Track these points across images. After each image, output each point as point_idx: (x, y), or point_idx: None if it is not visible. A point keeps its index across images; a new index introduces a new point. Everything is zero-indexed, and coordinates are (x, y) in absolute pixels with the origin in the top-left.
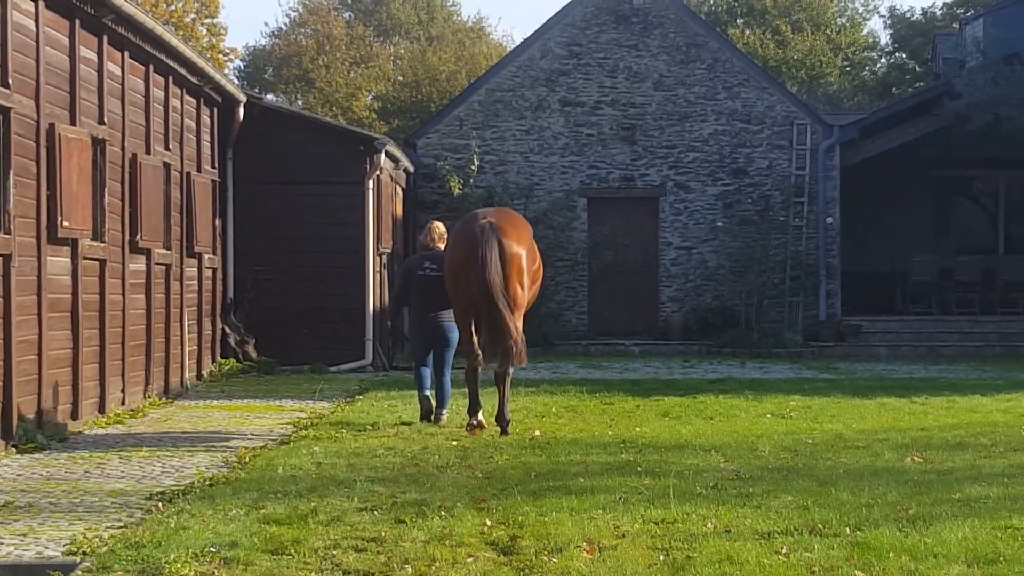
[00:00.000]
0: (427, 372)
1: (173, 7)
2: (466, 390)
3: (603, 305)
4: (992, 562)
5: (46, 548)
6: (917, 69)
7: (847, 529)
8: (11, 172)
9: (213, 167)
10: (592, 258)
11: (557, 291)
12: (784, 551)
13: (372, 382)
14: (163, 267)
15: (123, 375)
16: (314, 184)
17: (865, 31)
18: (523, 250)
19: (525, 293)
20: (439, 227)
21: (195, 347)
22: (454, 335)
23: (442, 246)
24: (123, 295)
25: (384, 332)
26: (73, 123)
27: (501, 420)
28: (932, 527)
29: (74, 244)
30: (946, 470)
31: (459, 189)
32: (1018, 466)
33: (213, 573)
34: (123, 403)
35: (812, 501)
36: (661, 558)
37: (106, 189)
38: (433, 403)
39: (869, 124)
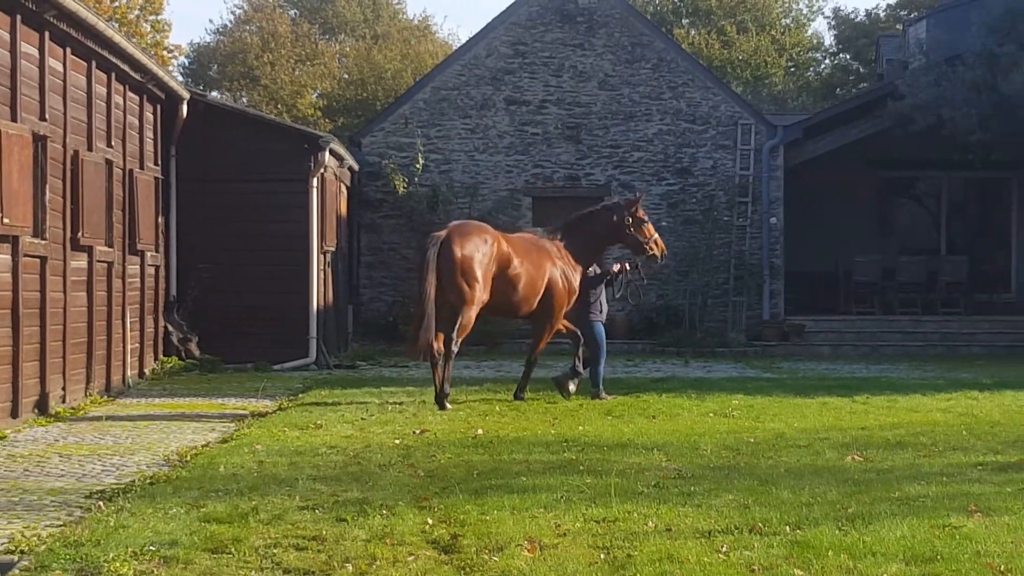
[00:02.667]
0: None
1: (117, 3)
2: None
3: None
4: (930, 560)
5: None
6: (861, 70)
7: (787, 528)
8: None
9: (156, 164)
10: None
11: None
12: (724, 550)
13: (315, 380)
14: (105, 265)
15: (64, 373)
16: (258, 182)
17: (809, 32)
18: (471, 254)
19: (472, 292)
20: None
21: (137, 345)
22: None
23: None
24: (64, 293)
25: (328, 329)
26: (14, 119)
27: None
28: (871, 526)
29: (14, 241)
30: (886, 469)
31: (404, 188)
32: (957, 465)
33: (152, 572)
34: (64, 401)
35: (753, 500)
36: (602, 556)
37: (47, 186)
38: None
39: (813, 125)
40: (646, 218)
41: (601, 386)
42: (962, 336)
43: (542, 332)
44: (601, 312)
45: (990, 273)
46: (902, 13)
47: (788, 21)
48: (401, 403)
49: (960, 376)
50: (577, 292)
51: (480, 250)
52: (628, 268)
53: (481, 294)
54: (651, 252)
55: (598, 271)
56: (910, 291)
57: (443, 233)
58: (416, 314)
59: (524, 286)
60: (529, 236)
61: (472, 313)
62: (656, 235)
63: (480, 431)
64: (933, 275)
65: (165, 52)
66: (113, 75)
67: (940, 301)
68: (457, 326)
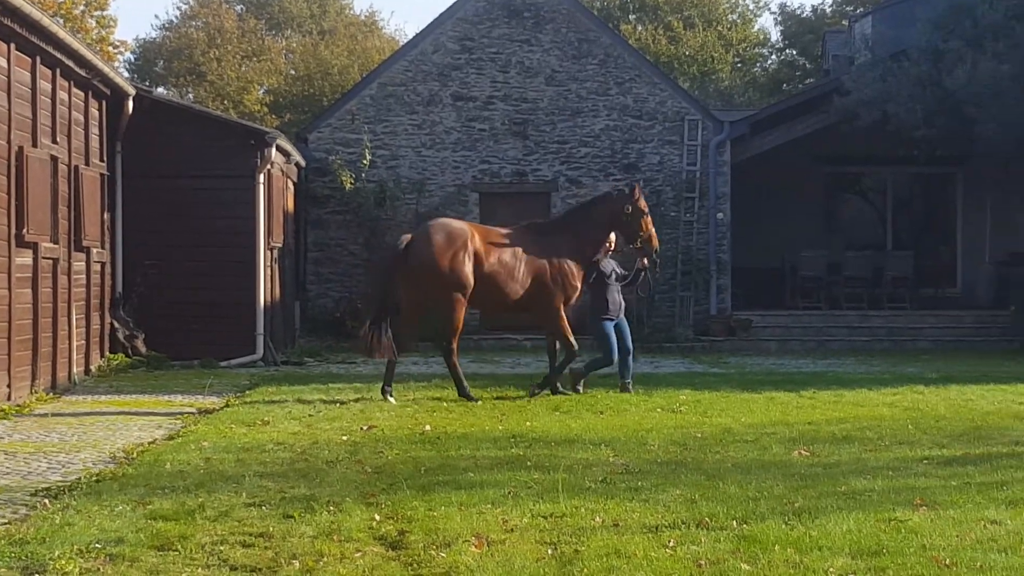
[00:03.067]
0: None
1: None
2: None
3: None
4: (876, 554)
5: None
6: (807, 66)
7: (734, 522)
8: None
9: (102, 160)
10: None
11: None
12: (671, 544)
13: (263, 377)
14: (50, 261)
15: (8, 370)
16: (204, 178)
17: (756, 28)
18: (431, 255)
19: (441, 291)
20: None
21: (83, 342)
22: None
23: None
24: (9, 289)
25: (276, 326)
26: None
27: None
28: (817, 520)
29: None
30: (832, 463)
31: (351, 184)
32: (902, 459)
33: (98, 569)
34: (9, 399)
35: (700, 495)
36: (549, 552)
37: None
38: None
39: (759, 120)
40: (647, 210)
41: (628, 379)
42: (908, 331)
43: (549, 327)
44: (618, 309)
45: (936, 268)
46: (848, 9)
47: (735, 17)
48: (348, 399)
49: (906, 370)
50: (579, 284)
51: (450, 248)
52: (646, 265)
53: (459, 292)
54: (641, 247)
55: (617, 270)
56: (856, 286)
57: (408, 237)
58: (364, 312)
59: (504, 281)
60: (515, 229)
61: (452, 315)
62: (652, 230)
63: (428, 427)
64: (879, 270)
65: (111, 48)
66: (58, 71)
67: (886, 296)
68: (442, 327)
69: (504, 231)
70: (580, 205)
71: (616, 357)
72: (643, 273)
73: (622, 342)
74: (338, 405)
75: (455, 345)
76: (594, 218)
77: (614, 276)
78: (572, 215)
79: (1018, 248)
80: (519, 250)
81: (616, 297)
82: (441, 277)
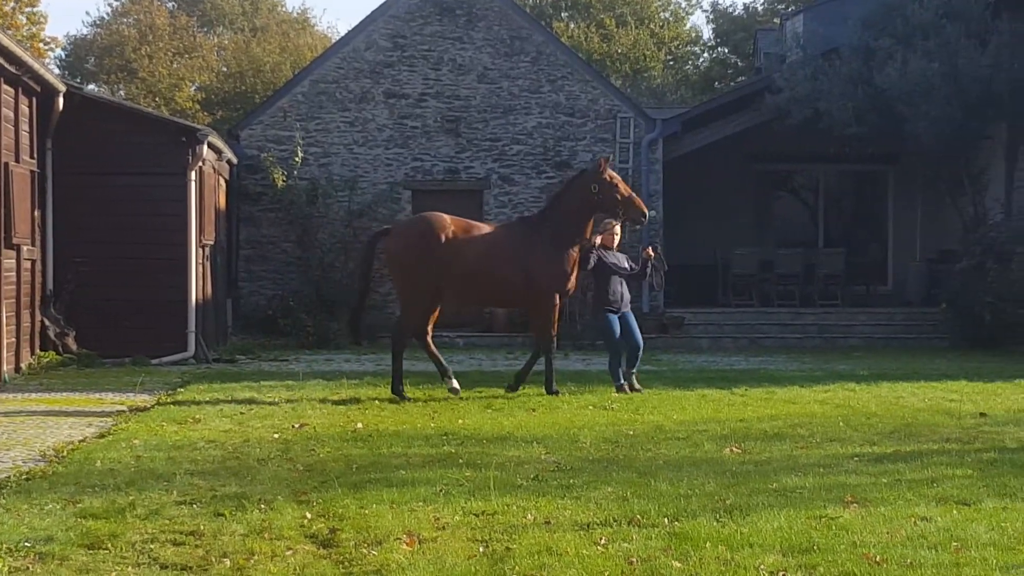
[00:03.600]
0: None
1: None
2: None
3: None
4: (806, 551)
5: None
6: (739, 64)
7: (665, 520)
8: None
9: (32, 158)
10: None
11: (382, 283)
12: (603, 542)
13: (194, 375)
14: None
15: None
16: (136, 175)
17: (688, 25)
18: (395, 248)
19: (402, 284)
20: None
21: (13, 339)
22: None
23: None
24: None
25: (207, 323)
26: None
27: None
28: (748, 517)
29: None
30: (764, 460)
31: (283, 181)
32: (833, 456)
33: (28, 568)
34: None
35: (631, 492)
36: (481, 550)
37: None
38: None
39: (692, 118)
40: (617, 180)
41: (622, 380)
42: (839, 328)
43: (533, 322)
44: (619, 300)
45: (867, 266)
46: (780, 7)
47: (667, 15)
48: (280, 397)
49: (837, 368)
50: (569, 275)
51: (417, 246)
52: (652, 254)
53: (419, 288)
54: (625, 214)
55: (626, 264)
56: (788, 283)
57: (384, 228)
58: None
59: (480, 277)
60: (503, 225)
61: (408, 309)
62: (632, 194)
63: (360, 425)
64: (811, 267)
65: (41, 44)
66: None
67: (818, 293)
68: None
69: (490, 227)
70: (555, 194)
71: (619, 349)
72: (650, 264)
73: (630, 336)
74: (270, 403)
75: (404, 340)
76: (568, 205)
77: (615, 267)
78: (550, 206)
79: (948, 245)
80: (501, 246)
81: (618, 288)
82: (401, 270)
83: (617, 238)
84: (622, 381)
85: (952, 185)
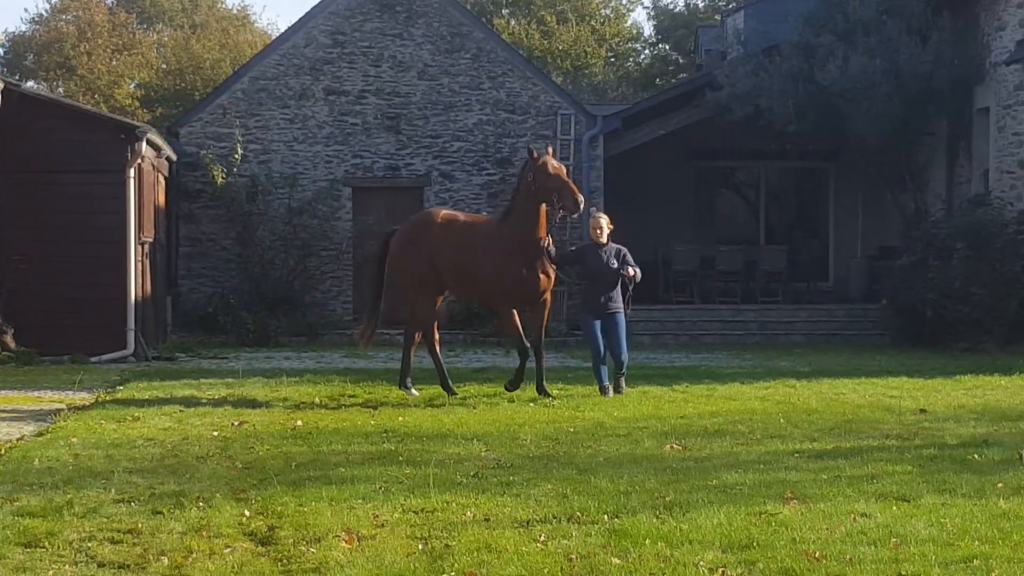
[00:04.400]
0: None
1: None
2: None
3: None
4: (746, 547)
5: None
6: (680, 61)
7: (605, 517)
8: None
9: None
10: (357, 247)
11: (323, 280)
12: (543, 539)
13: (134, 372)
14: None
15: None
16: (74, 173)
17: (629, 22)
18: (397, 250)
19: (403, 280)
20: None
21: None
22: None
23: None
24: None
25: (147, 321)
26: None
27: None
28: (688, 514)
29: None
30: (704, 457)
31: (222, 178)
32: (773, 453)
33: None
34: None
35: (572, 489)
36: (420, 547)
37: None
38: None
39: (632, 115)
40: (549, 168)
41: (605, 381)
42: (781, 325)
43: (499, 320)
44: (603, 304)
45: (808, 262)
46: (720, 4)
47: (608, 12)
48: (220, 395)
49: (778, 364)
50: (519, 289)
51: (412, 244)
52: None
53: (415, 281)
54: (559, 202)
55: (609, 261)
56: (729, 280)
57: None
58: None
59: (460, 275)
60: (488, 219)
61: (416, 305)
62: (567, 181)
63: (299, 422)
64: (752, 264)
65: None
66: None
67: (759, 290)
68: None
69: (479, 221)
70: (514, 189)
71: (599, 351)
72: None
73: (613, 346)
74: (209, 401)
75: (416, 337)
76: (518, 200)
77: (595, 267)
78: (510, 200)
79: (889, 242)
80: (479, 242)
81: (596, 291)
82: (398, 270)
83: (602, 232)
84: (605, 382)
85: (893, 181)
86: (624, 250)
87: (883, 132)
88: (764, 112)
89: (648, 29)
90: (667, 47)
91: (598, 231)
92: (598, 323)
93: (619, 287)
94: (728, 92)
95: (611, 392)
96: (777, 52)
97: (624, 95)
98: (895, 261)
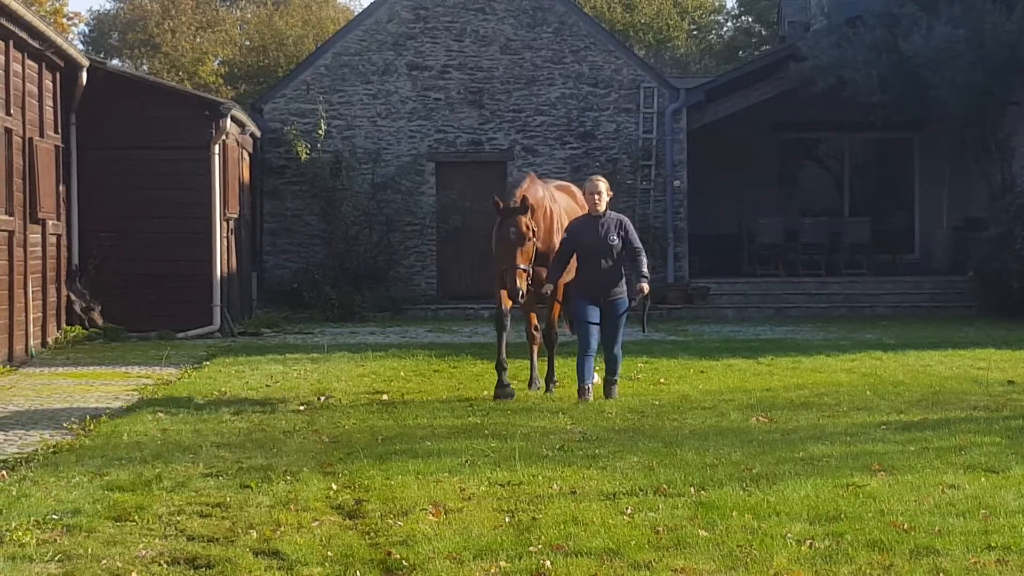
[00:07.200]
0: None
1: None
2: None
3: (452, 269)
4: (833, 519)
5: None
6: (763, 32)
7: (691, 489)
8: None
9: (56, 132)
10: (440, 222)
11: (406, 255)
12: (629, 511)
13: (219, 348)
14: (5, 234)
15: None
16: (160, 149)
17: None
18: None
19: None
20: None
21: (40, 314)
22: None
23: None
24: None
25: (232, 297)
26: None
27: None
28: (775, 486)
29: None
30: (790, 430)
31: (306, 154)
32: (860, 425)
33: (55, 540)
34: None
35: (657, 462)
36: (507, 520)
37: None
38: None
39: (715, 87)
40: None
41: (587, 381)
42: (866, 297)
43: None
44: (596, 286)
45: (893, 234)
46: None
47: None
48: (306, 369)
49: (864, 337)
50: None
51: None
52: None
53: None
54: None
55: (608, 235)
56: (814, 253)
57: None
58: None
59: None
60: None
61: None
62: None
63: (385, 396)
64: (836, 236)
65: (64, 20)
66: (11, 43)
67: (843, 262)
68: None
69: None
70: None
71: (588, 341)
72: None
73: (606, 341)
74: (295, 376)
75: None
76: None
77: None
78: None
79: (976, 213)
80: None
81: (592, 270)
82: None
83: (601, 198)
84: (587, 382)
85: (979, 152)
86: (626, 220)
87: (967, 102)
88: (848, 83)
89: (731, 1)
90: (750, 19)
91: (596, 197)
92: (594, 310)
93: (622, 269)
94: (812, 63)
95: (590, 395)
96: (860, 23)
97: (707, 68)
98: (981, 232)
